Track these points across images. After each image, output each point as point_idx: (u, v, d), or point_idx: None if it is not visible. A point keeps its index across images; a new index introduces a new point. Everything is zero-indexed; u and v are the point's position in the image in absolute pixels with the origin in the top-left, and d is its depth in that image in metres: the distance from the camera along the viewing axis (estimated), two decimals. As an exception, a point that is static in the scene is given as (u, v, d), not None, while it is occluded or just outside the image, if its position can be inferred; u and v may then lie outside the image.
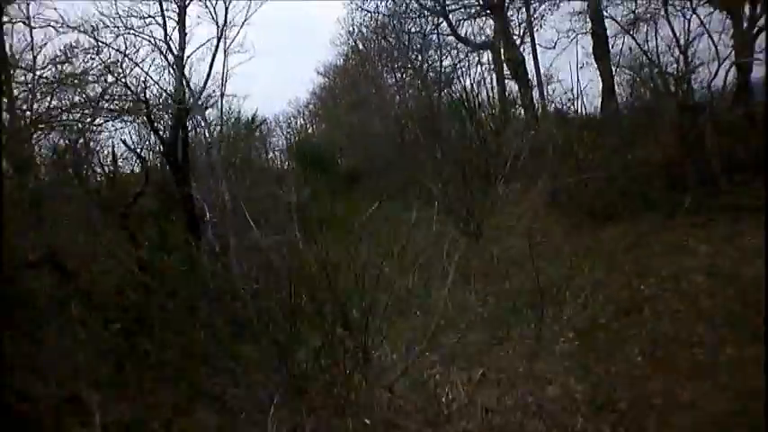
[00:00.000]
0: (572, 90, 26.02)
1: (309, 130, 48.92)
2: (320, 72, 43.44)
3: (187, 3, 20.06)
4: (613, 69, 24.35)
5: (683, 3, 19.74)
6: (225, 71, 23.48)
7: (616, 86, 24.27)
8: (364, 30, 35.92)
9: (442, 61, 34.99)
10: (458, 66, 34.32)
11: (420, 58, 35.93)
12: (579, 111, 26.23)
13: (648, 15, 22.36)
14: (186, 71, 21.92)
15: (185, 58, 21.34)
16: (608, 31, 24.68)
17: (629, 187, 16.28)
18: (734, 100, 18.33)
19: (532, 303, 11.99)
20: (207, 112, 28.88)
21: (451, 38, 31.92)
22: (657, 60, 18.81)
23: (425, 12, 31.07)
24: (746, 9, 19.29)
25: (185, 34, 20.00)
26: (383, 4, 33.35)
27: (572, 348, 10.29)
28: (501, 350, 10.64)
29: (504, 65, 28.93)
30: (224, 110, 31.79)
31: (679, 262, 12.50)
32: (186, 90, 21.32)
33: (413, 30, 33.99)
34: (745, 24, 18.82)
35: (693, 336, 9.66)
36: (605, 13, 24.61)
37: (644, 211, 15.52)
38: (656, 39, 19.77)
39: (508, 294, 12.73)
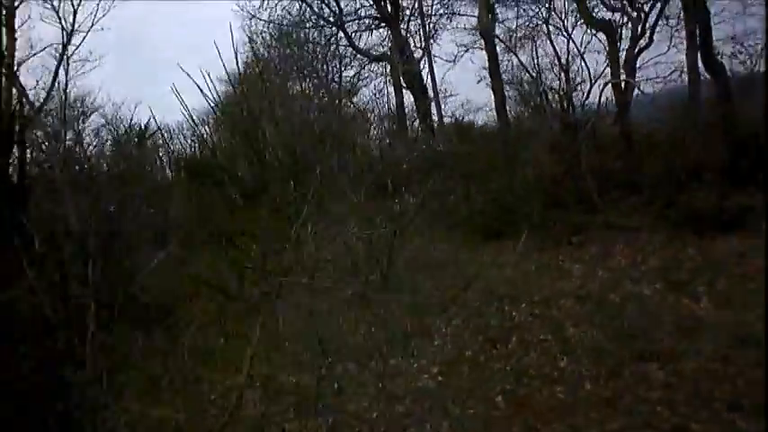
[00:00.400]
0: (465, 103, 26.07)
1: (215, 140, 46.83)
2: (222, 79, 41.56)
3: (17, 4, 18.25)
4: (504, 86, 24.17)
5: (564, 23, 19.66)
6: (66, 79, 22.50)
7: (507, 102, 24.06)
8: (267, 36, 34.75)
9: (341, 72, 34.11)
10: (360, 76, 33.66)
11: (325, 67, 35.04)
12: (476, 124, 26.27)
13: (531, 34, 22.21)
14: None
15: (17, 65, 19.51)
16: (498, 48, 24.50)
17: (511, 205, 15.94)
18: (615, 119, 18.31)
19: (406, 332, 11.35)
20: (89, 122, 27.25)
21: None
22: (539, 78, 18.62)
23: (321, 21, 30.24)
24: (628, 30, 19.31)
25: (15, 39, 18.08)
26: (277, 12, 32.20)
27: (434, 386, 9.67)
28: (360, 390, 9.85)
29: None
30: (110, 119, 30.20)
31: (552, 285, 12.21)
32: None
33: (312, 39, 33.15)
34: (625, 45, 18.80)
35: (556, 370, 9.25)
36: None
37: (525, 229, 15.17)
38: (536, 57, 19.65)
39: (382, 321, 11.94)
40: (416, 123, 28.57)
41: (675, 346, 8.91)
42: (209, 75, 27.69)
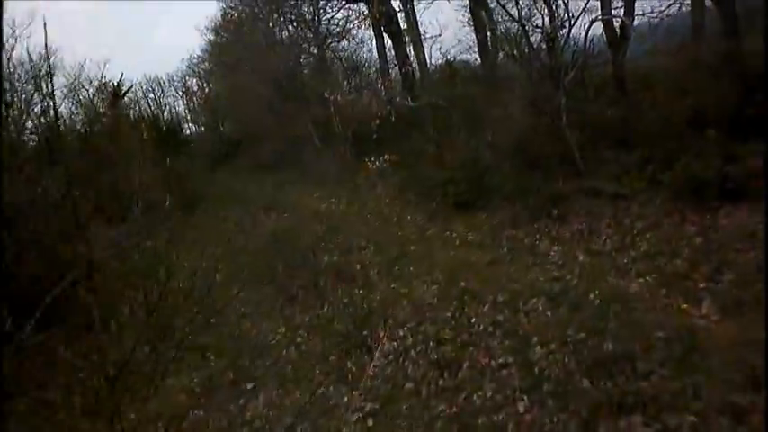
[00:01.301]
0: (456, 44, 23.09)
1: (206, 91, 43.40)
2: (208, 27, 38.06)
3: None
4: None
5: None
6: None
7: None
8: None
9: (318, 15, 30.97)
10: (348, 19, 30.42)
11: (312, 10, 31.74)
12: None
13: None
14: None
15: None
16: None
17: (485, 169, 13.37)
18: (613, 60, 15.30)
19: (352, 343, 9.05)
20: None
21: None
22: (519, 14, 15.55)
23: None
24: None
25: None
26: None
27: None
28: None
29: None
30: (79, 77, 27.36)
31: (523, 275, 9.79)
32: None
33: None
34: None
35: (512, 418, 6.85)
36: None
37: (498, 198, 12.65)
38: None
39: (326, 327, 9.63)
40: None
41: (667, 385, 6.43)
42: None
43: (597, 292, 8.55)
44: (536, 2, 15.80)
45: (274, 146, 25.78)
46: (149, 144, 23.05)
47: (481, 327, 8.54)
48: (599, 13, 14.47)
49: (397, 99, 19.12)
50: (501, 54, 19.59)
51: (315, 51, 31.82)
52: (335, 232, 14.32)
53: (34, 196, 15.29)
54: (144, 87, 44.35)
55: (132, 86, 31.14)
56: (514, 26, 16.25)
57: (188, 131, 42.83)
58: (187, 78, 43.18)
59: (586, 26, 13.46)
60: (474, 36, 21.55)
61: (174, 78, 42.09)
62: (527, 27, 15.44)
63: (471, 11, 21.92)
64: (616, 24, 15.13)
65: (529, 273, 9.74)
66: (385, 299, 9.97)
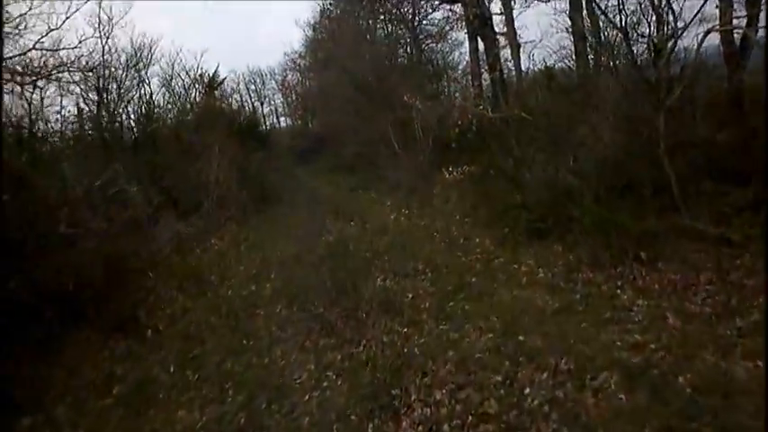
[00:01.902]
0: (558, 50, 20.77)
1: (301, 86, 42.77)
2: (307, 23, 37.24)
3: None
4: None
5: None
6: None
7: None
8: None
9: (417, 14, 29.44)
10: (448, 20, 28.78)
11: (412, 10, 30.31)
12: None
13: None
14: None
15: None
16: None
17: (565, 194, 11.31)
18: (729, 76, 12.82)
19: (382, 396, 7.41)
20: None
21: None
22: (624, 21, 13.27)
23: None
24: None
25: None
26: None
27: None
28: None
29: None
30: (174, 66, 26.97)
31: (596, 334, 7.74)
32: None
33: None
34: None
35: None
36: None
37: (579, 230, 10.61)
38: None
39: (358, 372, 8.04)
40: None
41: None
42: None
43: (689, 375, 6.44)
44: (643, 8, 13.46)
45: (355, 147, 24.45)
46: (230, 138, 22.20)
47: (535, 402, 6.62)
48: (716, 22, 12.00)
49: (481, 107, 17.18)
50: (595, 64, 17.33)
51: (409, 51, 30.31)
52: (396, 250, 12.70)
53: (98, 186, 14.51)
54: (246, 79, 44.45)
55: (226, 78, 30.73)
56: (616, 34, 14.01)
57: (282, 125, 42.44)
58: (287, 72, 42.77)
59: (700, 37, 11.05)
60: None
61: (276, 71, 41.77)
62: (630, 35, 13.17)
63: (570, 16, 19.67)
64: (736, 36, 12.63)
65: (604, 332, 7.72)
66: (429, 344, 8.22)
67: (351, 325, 9.19)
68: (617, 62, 13.95)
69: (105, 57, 21.50)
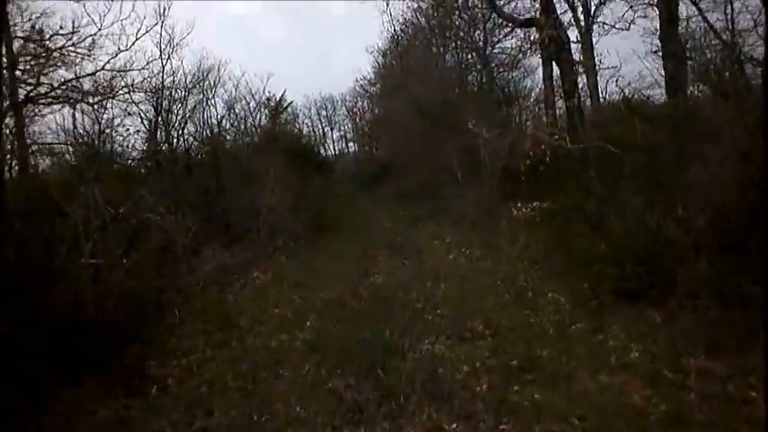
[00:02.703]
0: (638, 79, 18.01)
1: (375, 111, 40.91)
2: (377, 49, 35.40)
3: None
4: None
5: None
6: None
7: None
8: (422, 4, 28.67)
9: (487, 39, 27.08)
10: (522, 48, 26.37)
11: (483, 36, 28.10)
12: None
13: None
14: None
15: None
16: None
17: (668, 248, 8.65)
18: None
19: None
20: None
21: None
22: (733, 42, 10.60)
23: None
24: None
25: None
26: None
27: None
28: None
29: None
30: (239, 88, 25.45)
31: None
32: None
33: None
34: None
35: None
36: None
37: (685, 294, 7.94)
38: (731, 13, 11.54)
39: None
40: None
41: None
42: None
43: None
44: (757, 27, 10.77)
45: (417, 175, 22.20)
46: (289, 162, 20.36)
47: None
48: None
49: (556, 137, 14.64)
50: (696, 91, 14.52)
51: (479, 79, 27.97)
52: (452, 301, 10.32)
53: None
54: (318, 104, 43.26)
55: (292, 102, 29.22)
56: (716, 56, 11.32)
57: (351, 150, 40.79)
58: (358, 99, 41.21)
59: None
60: (662, 69, 16.64)
61: (347, 98, 40.34)
62: (741, 56, 10.48)
63: (660, 37, 17.01)
64: None
65: None
66: None
67: (385, 411, 6.81)
68: (722, 87, 11.25)
69: (166, 77, 20.15)
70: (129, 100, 19.30)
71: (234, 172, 20.05)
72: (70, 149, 17.61)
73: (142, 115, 19.60)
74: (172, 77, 20.24)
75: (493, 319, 9.28)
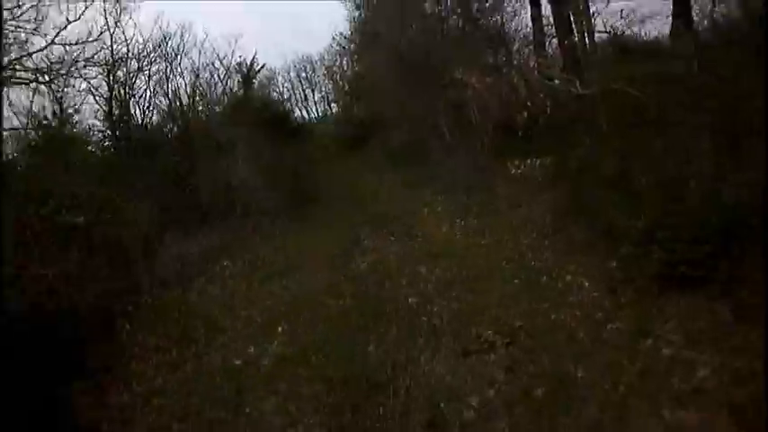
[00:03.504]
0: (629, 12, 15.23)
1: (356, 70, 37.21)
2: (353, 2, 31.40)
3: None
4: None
5: None
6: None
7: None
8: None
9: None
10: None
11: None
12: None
13: None
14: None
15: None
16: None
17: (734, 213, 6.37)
18: None
19: None
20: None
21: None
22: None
23: None
24: None
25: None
26: None
27: None
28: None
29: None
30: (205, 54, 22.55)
31: None
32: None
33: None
34: None
35: None
36: None
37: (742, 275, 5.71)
38: None
39: None
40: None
41: None
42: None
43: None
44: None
45: (403, 135, 19.63)
46: (261, 130, 17.81)
47: None
48: None
49: (556, 82, 12.20)
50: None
51: (460, 25, 24.88)
52: (451, 292, 8.05)
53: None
54: (297, 66, 39.89)
55: (263, 66, 26.24)
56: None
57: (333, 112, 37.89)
58: (337, 57, 37.76)
59: None
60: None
61: (325, 57, 36.89)
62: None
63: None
64: None
65: None
66: None
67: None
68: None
69: (121, 48, 17.41)
70: (83, 76, 16.55)
71: (202, 147, 17.51)
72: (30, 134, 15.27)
73: (97, 92, 16.89)
74: (126, 47, 17.45)
75: (503, 318, 7.08)
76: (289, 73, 40.58)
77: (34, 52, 15.39)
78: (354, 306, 8.33)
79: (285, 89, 40.35)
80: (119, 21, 16.95)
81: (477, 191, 12.75)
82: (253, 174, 15.75)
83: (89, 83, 16.57)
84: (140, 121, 18.51)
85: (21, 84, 15.49)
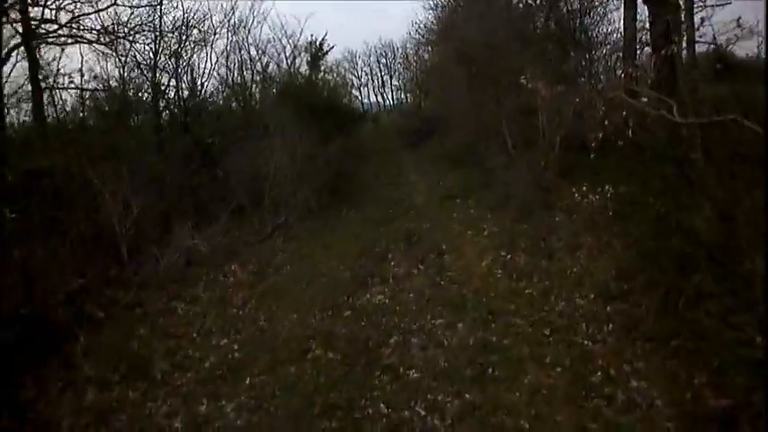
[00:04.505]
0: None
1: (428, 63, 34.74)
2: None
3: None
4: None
5: None
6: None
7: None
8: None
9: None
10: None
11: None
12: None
13: None
14: None
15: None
16: None
17: None
18: None
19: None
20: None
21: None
22: None
23: None
24: None
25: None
26: None
27: None
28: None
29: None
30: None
31: None
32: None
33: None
34: None
35: None
36: None
37: None
38: None
39: None
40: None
41: None
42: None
43: None
44: None
45: (464, 137, 17.17)
46: (312, 117, 15.76)
47: None
48: None
49: (644, 99, 9.37)
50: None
51: (549, 25, 21.74)
52: (467, 371, 5.69)
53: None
54: (378, 52, 38.14)
55: (333, 47, 24.17)
56: None
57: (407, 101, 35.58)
58: (419, 46, 35.26)
59: None
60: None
61: (407, 46, 34.65)
62: None
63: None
64: None
65: None
66: None
67: None
68: None
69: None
70: (137, 41, 15.11)
71: (245, 130, 15.69)
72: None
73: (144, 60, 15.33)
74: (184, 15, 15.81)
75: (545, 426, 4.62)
76: (369, 57, 38.63)
77: (96, 11, 14.02)
78: (344, 366, 6.10)
79: (364, 73, 38.43)
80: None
81: (532, 216, 10.25)
82: (290, 166, 13.72)
83: (134, 48, 14.99)
84: (189, 94, 16.86)
85: (83, 42, 14.23)
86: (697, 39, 12.54)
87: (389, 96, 41.61)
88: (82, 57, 14.64)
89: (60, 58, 13.32)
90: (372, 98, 38.89)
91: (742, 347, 4.52)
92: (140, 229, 9.69)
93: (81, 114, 13.85)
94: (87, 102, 14.28)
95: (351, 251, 10.63)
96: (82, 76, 13.75)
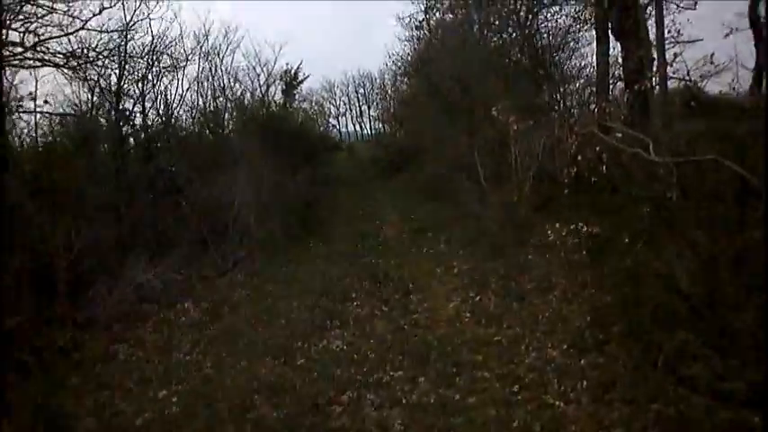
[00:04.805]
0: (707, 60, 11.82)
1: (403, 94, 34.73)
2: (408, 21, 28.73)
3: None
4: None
5: None
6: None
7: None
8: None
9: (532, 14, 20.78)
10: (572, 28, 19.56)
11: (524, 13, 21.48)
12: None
13: None
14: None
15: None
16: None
17: None
18: None
19: None
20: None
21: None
22: None
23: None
24: None
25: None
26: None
27: None
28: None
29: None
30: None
31: None
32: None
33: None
34: None
35: None
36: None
37: None
38: None
39: None
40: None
41: None
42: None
43: None
44: None
45: (437, 170, 16.69)
46: (273, 148, 15.09)
47: None
48: None
49: (618, 135, 9.00)
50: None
51: (522, 60, 21.47)
52: (443, 430, 4.94)
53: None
54: (356, 82, 38.24)
55: (307, 77, 23.73)
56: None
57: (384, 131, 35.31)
58: (396, 77, 35.11)
59: None
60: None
61: (384, 76, 34.56)
62: None
63: (751, 21, 11.32)
64: None
65: None
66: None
67: None
68: None
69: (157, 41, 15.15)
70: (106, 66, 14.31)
71: (213, 159, 14.95)
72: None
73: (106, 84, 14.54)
74: (152, 40, 15.13)
75: None
76: (348, 87, 38.53)
77: (65, 35, 13.24)
78: (285, 429, 5.27)
79: (342, 103, 38.22)
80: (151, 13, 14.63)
81: (503, 253, 9.68)
82: (256, 195, 12.98)
83: (99, 74, 14.18)
84: (158, 121, 16.09)
85: (49, 66, 13.38)
86: (670, 75, 12.26)
87: (367, 126, 41.37)
88: (51, 80, 13.80)
89: (26, 81, 12.48)
90: (351, 127, 38.70)
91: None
92: (89, 263, 8.81)
93: (44, 140, 12.95)
94: (54, 127, 13.44)
95: (314, 288, 9.89)
96: (45, 102, 12.91)
